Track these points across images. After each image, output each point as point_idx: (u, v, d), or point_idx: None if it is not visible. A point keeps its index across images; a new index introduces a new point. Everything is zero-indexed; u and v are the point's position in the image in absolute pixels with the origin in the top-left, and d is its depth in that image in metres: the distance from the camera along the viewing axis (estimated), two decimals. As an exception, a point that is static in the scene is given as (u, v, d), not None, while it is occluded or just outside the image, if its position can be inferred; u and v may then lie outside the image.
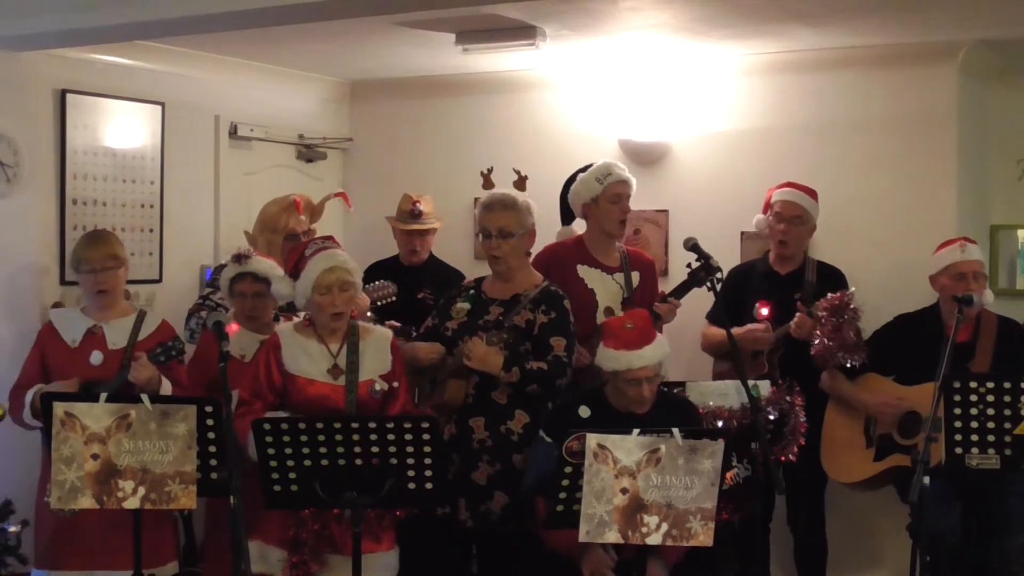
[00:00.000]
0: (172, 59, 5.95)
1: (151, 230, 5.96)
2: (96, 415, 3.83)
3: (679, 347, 5.33)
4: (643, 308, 4.86)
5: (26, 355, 4.73)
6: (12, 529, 4.32)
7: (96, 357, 4.57)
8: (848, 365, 5.02)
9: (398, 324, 5.05)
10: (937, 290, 5.06)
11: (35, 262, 5.38)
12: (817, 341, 5.00)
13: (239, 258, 4.81)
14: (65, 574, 4.47)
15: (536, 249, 5.01)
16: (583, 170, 5.23)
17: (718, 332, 5.31)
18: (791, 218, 5.37)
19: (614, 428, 3.76)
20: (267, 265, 4.79)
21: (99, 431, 3.82)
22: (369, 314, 5.22)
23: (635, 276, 5.17)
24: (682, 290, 4.97)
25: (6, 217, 5.20)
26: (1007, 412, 4.05)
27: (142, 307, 4.83)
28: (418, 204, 5.92)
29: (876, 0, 4.80)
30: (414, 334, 4.95)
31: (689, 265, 4.79)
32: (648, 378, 4.24)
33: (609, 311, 5.05)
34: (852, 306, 5.01)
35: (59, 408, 3.83)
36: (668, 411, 4.30)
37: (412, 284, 5.63)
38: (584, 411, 4.31)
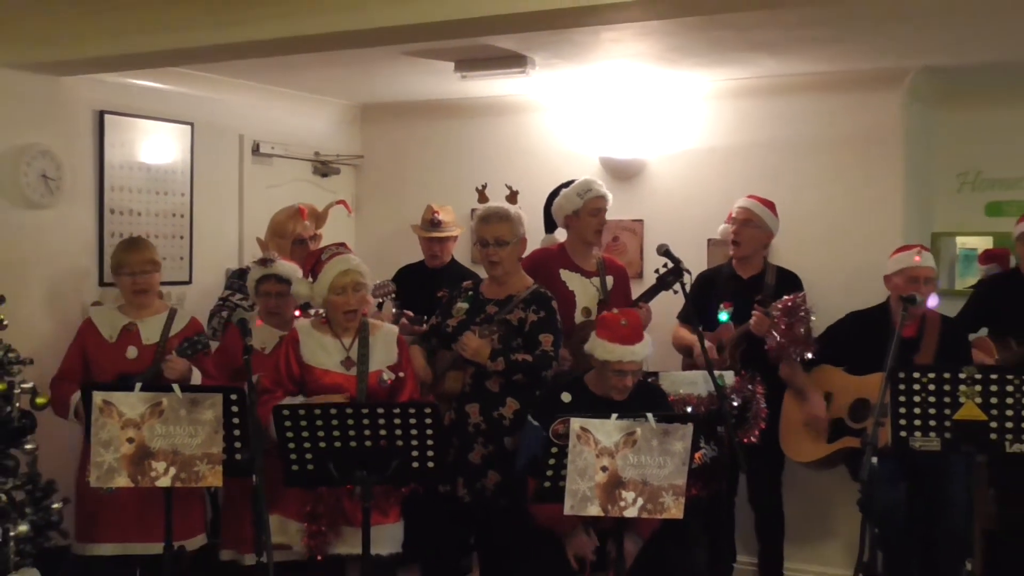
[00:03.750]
0: (200, 83, 5.95)
1: (181, 237, 5.97)
2: (131, 403, 3.84)
3: (654, 341, 5.35)
4: (616, 308, 4.90)
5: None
6: (55, 506, 4.33)
7: (131, 352, 4.57)
8: (798, 359, 5.04)
9: (411, 314, 5.09)
10: (890, 289, 5.06)
11: (76, 265, 5.38)
12: (771, 338, 5.03)
13: (265, 262, 4.83)
14: (103, 547, 4.47)
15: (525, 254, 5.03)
16: (565, 185, 5.27)
17: (686, 335, 5.33)
18: (742, 221, 5.40)
19: (593, 412, 3.79)
20: (289, 268, 4.80)
21: (134, 417, 3.83)
22: (393, 309, 5.27)
23: (609, 280, 5.21)
24: (651, 293, 5.01)
25: (50, 225, 5.19)
26: (947, 400, 4.06)
27: (173, 305, 4.81)
28: (437, 215, 5.93)
29: (831, 30, 4.81)
30: (424, 326, 4.98)
31: (657, 271, 4.82)
32: (632, 371, 4.27)
33: (587, 311, 5.09)
34: (803, 307, 5.03)
35: (98, 397, 3.84)
36: (642, 398, 4.32)
37: (434, 284, 5.63)
38: (566, 396, 4.32)
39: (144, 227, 5.70)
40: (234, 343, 4.61)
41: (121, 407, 3.83)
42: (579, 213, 5.15)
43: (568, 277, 5.15)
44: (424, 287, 5.57)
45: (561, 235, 5.37)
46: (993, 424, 4.03)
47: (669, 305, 5.23)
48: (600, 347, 4.26)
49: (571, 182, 5.26)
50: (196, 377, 4.49)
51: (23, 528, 4.14)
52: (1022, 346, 4.94)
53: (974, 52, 5.33)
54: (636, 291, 5.31)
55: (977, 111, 6.01)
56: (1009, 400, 4.00)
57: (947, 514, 4.70)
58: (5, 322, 4.37)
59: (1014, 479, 4.67)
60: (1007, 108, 5.93)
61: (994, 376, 4.06)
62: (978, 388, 4.04)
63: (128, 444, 3.82)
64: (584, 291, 5.12)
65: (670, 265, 4.81)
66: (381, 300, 5.39)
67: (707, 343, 4.77)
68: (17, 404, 4.33)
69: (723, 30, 4.77)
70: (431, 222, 5.95)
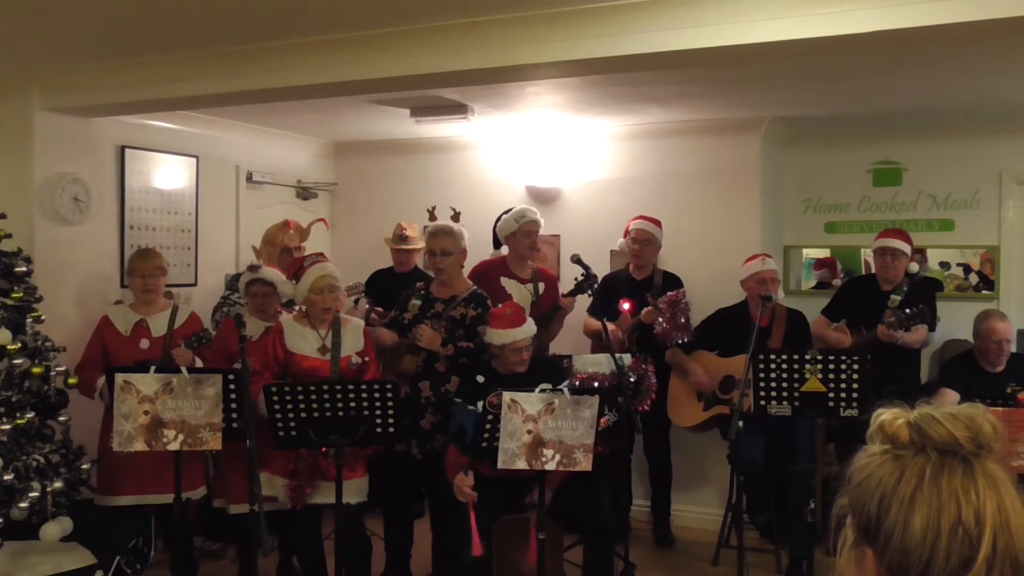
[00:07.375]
0: (204, 124, 5.83)
1: (188, 248, 5.83)
2: (147, 382, 3.77)
3: (570, 330, 5.38)
4: (547, 308, 4.92)
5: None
6: (84, 467, 4.22)
7: (144, 343, 4.48)
8: (679, 343, 5.08)
9: (380, 309, 5.05)
10: (746, 290, 5.14)
11: (101, 271, 5.24)
12: (658, 325, 5.07)
13: (253, 268, 4.76)
14: (122, 499, 4.36)
15: (469, 262, 5.00)
16: (507, 212, 5.25)
17: (595, 323, 5.34)
18: (643, 241, 5.43)
19: (503, 386, 3.75)
20: (273, 273, 4.75)
21: (149, 394, 3.76)
22: (366, 305, 5.21)
23: (541, 286, 5.20)
24: (571, 295, 5.01)
25: (81, 238, 5.06)
26: (796, 376, 4.14)
27: (176, 303, 4.72)
28: (405, 231, 5.89)
29: (704, 88, 4.86)
30: (387, 320, 4.93)
31: (576, 278, 4.83)
32: (525, 347, 4.23)
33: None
34: (683, 301, 5.10)
35: (119, 378, 3.77)
36: (540, 369, 4.29)
37: (400, 285, 5.58)
38: (480, 378, 4.27)
39: (158, 240, 5.56)
40: (228, 332, 4.58)
41: (139, 385, 3.75)
42: (515, 234, 5.15)
43: (507, 283, 5.14)
44: (393, 288, 5.52)
45: (505, 250, 5.36)
46: (831, 395, 4.11)
47: (583, 301, 5.25)
48: (496, 335, 4.21)
49: (511, 209, 5.25)
50: (198, 364, 4.42)
51: (58, 484, 4.03)
52: (870, 332, 5.03)
53: (813, 107, 5.43)
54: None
55: (816, 152, 6.14)
56: (843, 376, 4.09)
57: (795, 465, 4.77)
58: (43, 317, 4.25)
59: (847, 436, 4.76)
60: (839, 149, 6.06)
61: (831, 357, 4.14)
62: (819, 367, 4.11)
63: (144, 416, 3.75)
64: (520, 294, 5.10)
65: (583, 274, 4.83)
66: (356, 297, 5.35)
67: (610, 329, 4.78)
68: (53, 384, 4.22)
69: (620, 86, 4.79)
70: (401, 237, 5.92)
